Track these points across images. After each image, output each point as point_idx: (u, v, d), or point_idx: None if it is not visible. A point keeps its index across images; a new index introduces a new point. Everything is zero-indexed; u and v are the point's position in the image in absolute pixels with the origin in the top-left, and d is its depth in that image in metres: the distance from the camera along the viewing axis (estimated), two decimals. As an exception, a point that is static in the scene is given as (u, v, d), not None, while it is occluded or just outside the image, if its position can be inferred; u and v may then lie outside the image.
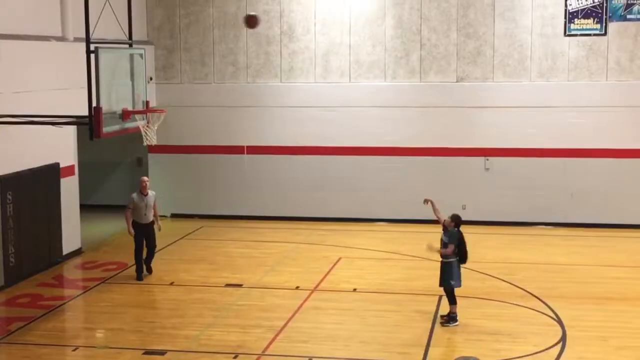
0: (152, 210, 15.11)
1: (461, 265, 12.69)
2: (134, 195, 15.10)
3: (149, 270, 15.40)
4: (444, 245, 12.64)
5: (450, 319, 12.51)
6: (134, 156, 21.57)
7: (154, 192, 15.27)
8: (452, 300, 12.57)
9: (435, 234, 18.13)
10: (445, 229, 12.70)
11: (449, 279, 12.53)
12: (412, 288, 14.53)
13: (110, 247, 17.96)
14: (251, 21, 14.19)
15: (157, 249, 15.60)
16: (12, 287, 14.72)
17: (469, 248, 12.72)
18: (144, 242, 15.18)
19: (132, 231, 15.06)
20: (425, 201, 13.16)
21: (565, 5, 18.96)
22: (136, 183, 15.69)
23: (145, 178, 15.33)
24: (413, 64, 19.63)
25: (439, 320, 12.65)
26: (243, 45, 20.24)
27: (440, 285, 12.75)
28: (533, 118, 19.32)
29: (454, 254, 12.54)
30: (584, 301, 13.83)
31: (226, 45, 20.31)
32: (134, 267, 15.35)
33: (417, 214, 19.46)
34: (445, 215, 12.83)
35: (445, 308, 12.85)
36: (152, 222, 15.20)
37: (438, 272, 12.80)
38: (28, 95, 15.03)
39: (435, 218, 13.01)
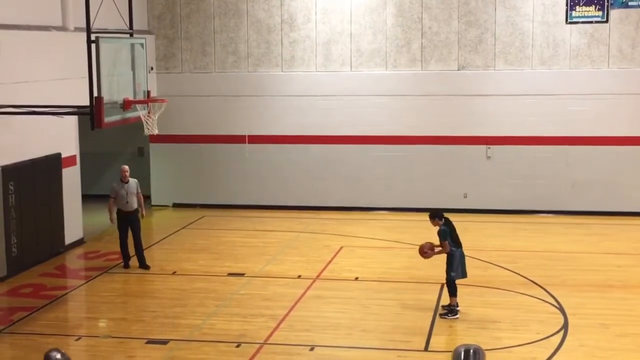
0: (135, 198, 15.15)
1: (465, 255, 12.64)
2: (115, 184, 15.25)
3: (144, 266, 15.22)
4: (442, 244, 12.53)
5: (449, 311, 12.46)
6: (136, 146, 21.57)
7: (135, 180, 15.30)
8: (453, 292, 12.49)
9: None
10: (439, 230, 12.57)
11: (449, 270, 12.50)
12: (414, 277, 14.53)
13: (112, 237, 17.89)
14: None
15: (159, 239, 15.58)
16: (15, 277, 14.76)
17: (470, 237, 12.74)
18: (129, 230, 15.25)
19: (114, 217, 15.23)
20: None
21: (567, -7, 18.94)
22: (138, 173, 15.71)
23: (126, 167, 15.35)
24: (414, 52, 19.59)
25: (439, 311, 12.62)
26: (244, 34, 20.20)
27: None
28: (534, 106, 19.29)
29: (450, 246, 12.47)
30: (586, 289, 13.85)
31: (227, 34, 20.27)
32: (135, 257, 15.37)
33: (418, 202, 19.50)
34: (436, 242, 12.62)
35: (446, 298, 12.86)
36: (136, 210, 15.22)
37: (439, 261, 12.79)
38: (29, 85, 15.02)
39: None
